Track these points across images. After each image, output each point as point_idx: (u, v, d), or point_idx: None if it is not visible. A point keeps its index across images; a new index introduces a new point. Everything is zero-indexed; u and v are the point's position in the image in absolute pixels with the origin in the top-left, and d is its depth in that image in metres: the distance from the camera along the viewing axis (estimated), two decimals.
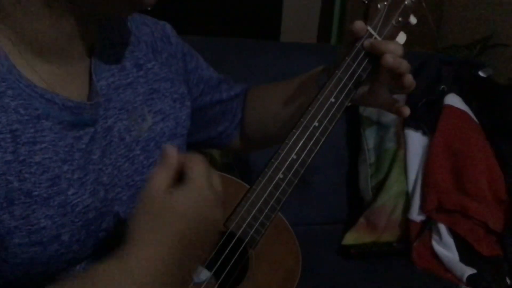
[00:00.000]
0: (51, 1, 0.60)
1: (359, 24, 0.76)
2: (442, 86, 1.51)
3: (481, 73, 1.61)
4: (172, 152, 0.61)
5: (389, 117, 1.49)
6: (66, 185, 0.63)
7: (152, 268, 0.56)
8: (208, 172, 0.62)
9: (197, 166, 0.61)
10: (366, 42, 0.76)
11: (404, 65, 0.74)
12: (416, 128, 1.46)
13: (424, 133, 1.47)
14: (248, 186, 0.76)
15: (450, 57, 1.63)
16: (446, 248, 1.37)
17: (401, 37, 0.80)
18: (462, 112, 1.48)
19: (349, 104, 0.78)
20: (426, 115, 1.48)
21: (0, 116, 0.58)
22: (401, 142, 1.47)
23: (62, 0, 0.60)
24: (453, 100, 1.49)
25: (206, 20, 2.40)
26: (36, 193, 0.60)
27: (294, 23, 2.50)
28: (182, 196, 0.59)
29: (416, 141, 1.46)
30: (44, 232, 0.61)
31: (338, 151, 1.54)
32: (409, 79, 0.75)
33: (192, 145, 0.89)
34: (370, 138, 1.50)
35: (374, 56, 0.76)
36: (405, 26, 0.80)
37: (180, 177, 0.61)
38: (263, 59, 1.54)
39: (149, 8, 0.65)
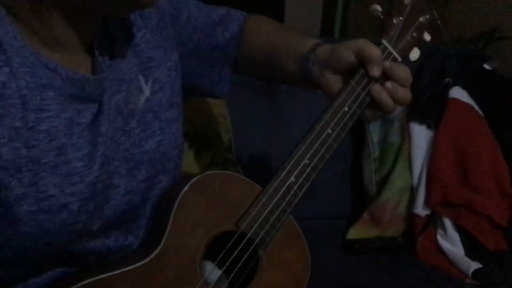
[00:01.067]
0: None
1: (375, 52, 0.75)
2: (447, 80, 1.50)
3: (486, 66, 1.60)
4: None
5: None
6: (72, 156, 0.63)
7: None
8: None
9: None
10: (375, 69, 0.76)
11: (388, 105, 0.76)
12: (421, 121, 1.46)
13: (428, 127, 1.46)
14: (260, 188, 0.76)
15: (454, 50, 1.61)
16: (451, 242, 1.37)
17: (415, 53, 0.81)
18: (467, 105, 1.47)
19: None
20: (431, 109, 1.47)
21: (10, 81, 0.58)
22: (405, 136, 1.46)
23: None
24: (458, 93, 1.48)
25: None
26: (44, 160, 0.61)
27: (297, 16, 2.49)
28: None
29: (420, 134, 1.45)
30: (52, 199, 0.61)
31: (342, 145, 1.51)
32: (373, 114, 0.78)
33: (188, 92, 0.88)
34: (374, 132, 1.49)
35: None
36: (419, 42, 0.81)
37: None
38: None
39: (149, 8, 0.65)
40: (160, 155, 0.75)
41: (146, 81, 0.75)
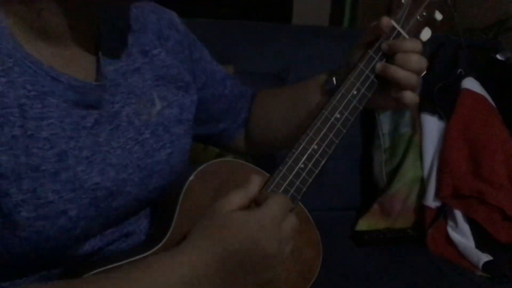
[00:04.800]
0: None
1: (386, 20, 0.76)
2: (459, 70, 1.49)
3: (498, 57, 1.58)
4: (255, 180, 0.69)
5: None
6: (73, 162, 0.63)
7: (197, 270, 0.61)
8: (286, 210, 0.67)
9: (278, 200, 0.67)
10: (384, 45, 0.76)
11: (408, 79, 0.74)
12: (432, 112, 1.45)
13: (440, 118, 1.45)
14: (268, 175, 0.75)
15: (466, 40, 1.60)
16: (461, 234, 1.36)
17: (426, 33, 0.80)
18: (479, 96, 1.46)
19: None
20: (443, 100, 1.46)
21: (8, 91, 0.59)
22: (416, 127, 1.45)
23: None
24: (470, 84, 1.47)
25: (218, 3, 2.38)
26: (43, 167, 0.61)
27: (306, 6, 2.48)
28: (246, 219, 0.64)
29: (432, 125, 1.44)
30: (51, 206, 0.62)
31: (352, 136, 1.52)
32: (408, 96, 0.76)
33: (194, 138, 0.88)
34: (385, 123, 1.48)
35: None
36: (430, 22, 0.79)
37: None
38: (275, 42, 1.52)
39: None
40: (169, 167, 0.76)
41: (158, 96, 0.76)
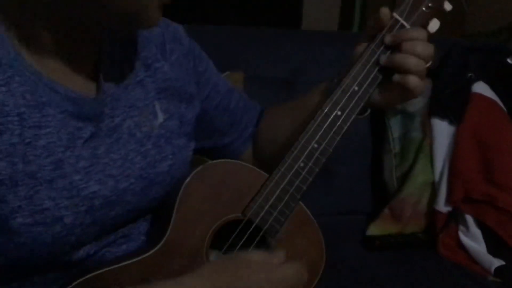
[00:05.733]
0: (50, 14, 0.62)
1: (385, 11, 0.75)
2: (470, 74, 1.48)
3: (509, 60, 1.57)
4: (281, 255, 0.71)
5: (414, 106, 1.46)
6: (70, 170, 0.65)
7: None
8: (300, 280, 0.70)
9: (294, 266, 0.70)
10: (388, 37, 0.74)
11: (416, 65, 0.73)
12: (443, 117, 1.43)
13: (450, 122, 1.44)
14: (267, 175, 0.75)
15: (477, 44, 1.59)
16: (473, 239, 1.35)
17: (434, 24, 0.77)
18: (490, 100, 1.45)
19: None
20: (453, 104, 1.45)
21: (8, 100, 0.61)
22: (427, 131, 1.44)
23: (62, 15, 0.63)
24: (481, 88, 1.46)
25: (226, 8, 2.39)
26: (39, 175, 0.62)
27: (315, 11, 2.48)
28: (261, 266, 0.67)
29: (442, 130, 1.43)
30: (47, 212, 0.63)
31: (362, 140, 1.52)
32: (413, 80, 0.73)
33: (199, 151, 0.89)
34: (395, 127, 1.48)
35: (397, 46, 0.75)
36: (438, 13, 0.77)
37: None
38: (284, 47, 1.52)
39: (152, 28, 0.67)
40: (170, 178, 0.76)
41: (160, 108, 0.77)
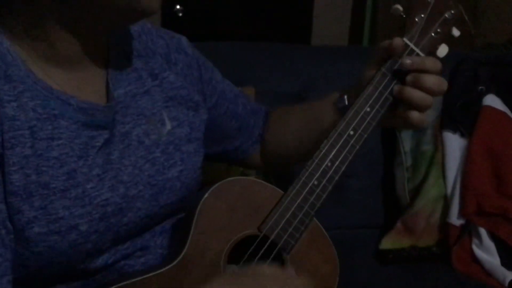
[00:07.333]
0: (57, 19, 0.65)
1: (398, 42, 0.76)
2: (481, 87, 1.48)
3: None
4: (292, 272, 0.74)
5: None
6: (82, 179, 0.67)
7: None
8: None
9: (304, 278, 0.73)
10: (406, 60, 0.75)
11: (422, 100, 0.75)
12: (454, 130, 1.44)
13: (462, 135, 1.44)
14: (282, 192, 0.77)
15: (487, 57, 1.59)
16: (486, 252, 1.34)
17: (443, 49, 0.79)
18: (501, 113, 1.45)
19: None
20: (464, 117, 1.45)
21: (19, 114, 0.63)
22: (438, 145, 1.44)
23: (66, 17, 0.65)
24: (492, 100, 1.46)
25: (236, 24, 2.41)
26: (53, 185, 0.64)
27: (325, 26, 2.49)
28: (271, 274, 0.68)
29: (454, 143, 1.43)
30: (62, 221, 0.65)
31: (374, 154, 1.52)
32: (415, 117, 0.76)
33: (209, 157, 0.90)
34: (406, 140, 1.48)
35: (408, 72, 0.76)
36: (447, 38, 0.79)
37: None
38: (294, 62, 1.53)
39: (153, 13, 0.68)
40: (180, 183, 0.78)
41: (168, 116, 0.79)
